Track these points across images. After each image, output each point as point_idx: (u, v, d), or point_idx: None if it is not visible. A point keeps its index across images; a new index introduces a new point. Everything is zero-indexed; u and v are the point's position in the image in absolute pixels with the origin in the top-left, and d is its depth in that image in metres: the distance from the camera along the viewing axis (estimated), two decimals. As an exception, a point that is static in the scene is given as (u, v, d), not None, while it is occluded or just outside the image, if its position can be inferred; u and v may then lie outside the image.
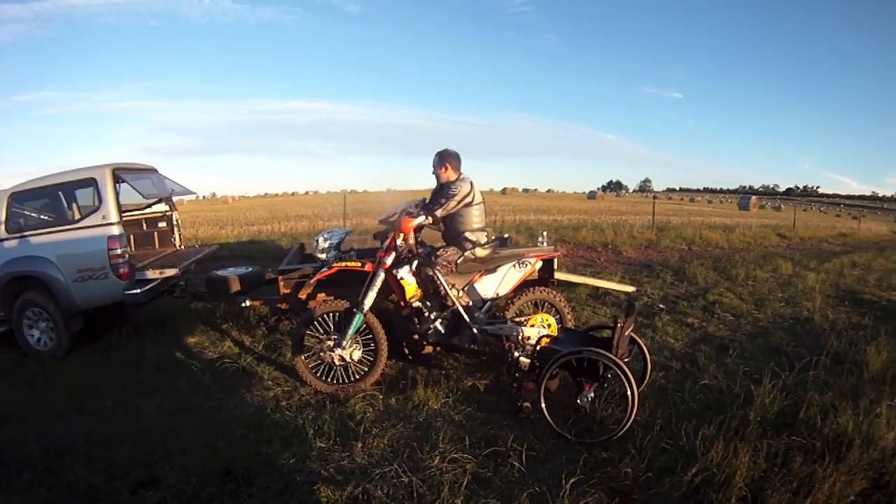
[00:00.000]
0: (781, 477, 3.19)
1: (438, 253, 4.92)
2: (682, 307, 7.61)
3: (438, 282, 4.75)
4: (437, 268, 4.78)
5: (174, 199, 7.54)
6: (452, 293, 4.79)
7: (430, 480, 3.31)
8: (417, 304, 4.79)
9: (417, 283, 4.81)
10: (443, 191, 5.01)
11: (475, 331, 4.73)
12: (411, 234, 4.78)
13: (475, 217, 5.06)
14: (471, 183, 5.03)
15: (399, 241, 4.70)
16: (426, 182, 5.40)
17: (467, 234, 5.01)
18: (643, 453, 3.46)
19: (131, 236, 6.83)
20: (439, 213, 4.90)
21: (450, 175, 5.09)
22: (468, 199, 4.97)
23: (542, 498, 3.15)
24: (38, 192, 6.05)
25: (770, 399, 4.04)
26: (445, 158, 5.10)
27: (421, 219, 4.75)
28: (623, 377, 3.71)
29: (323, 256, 5.04)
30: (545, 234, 6.23)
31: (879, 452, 3.42)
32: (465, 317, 4.75)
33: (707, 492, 3.07)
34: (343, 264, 4.82)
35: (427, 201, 5.18)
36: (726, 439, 3.49)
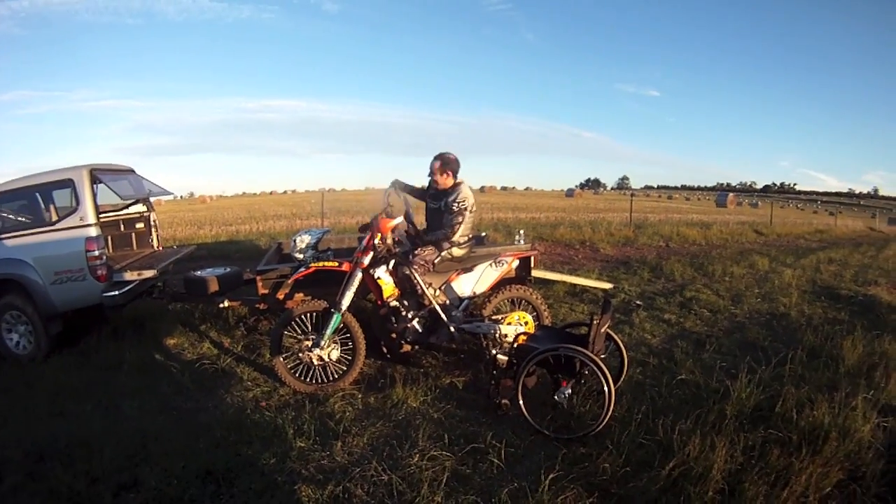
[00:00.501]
0: (758, 470, 3.23)
1: (416, 252, 4.94)
2: (659, 303, 7.68)
3: (415, 281, 4.77)
4: (414, 267, 4.81)
5: (152, 199, 7.48)
6: (429, 292, 4.81)
7: (410, 478, 3.33)
8: (395, 303, 4.81)
9: (395, 282, 4.83)
10: (449, 202, 5.00)
11: (452, 329, 4.76)
12: (389, 235, 4.79)
13: (465, 225, 5.11)
14: (469, 189, 5.09)
15: (377, 241, 4.71)
16: (407, 181, 5.40)
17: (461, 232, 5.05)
18: (621, 448, 3.48)
19: (109, 237, 6.77)
20: (456, 238, 4.99)
21: (447, 181, 5.11)
22: (472, 205, 5.07)
23: (521, 494, 3.17)
24: (15, 194, 5.96)
25: (747, 393, 4.10)
26: (449, 164, 5.10)
27: (399, 219, 4.77)
28: (600, 373, 3.74)
29: (300, 256, 5.04)
30: (522, 232, 6.26)
31: (855, 445, 3.48)
32: (443, 316, 4.78)
33: (685, 485, 3.11)
34: (320, 264, 4.82)
35: (427, 229, 5.27)
36: (703, 433, 3.54)
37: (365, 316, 5.25)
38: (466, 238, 5.15)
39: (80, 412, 4.45)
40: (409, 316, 4.79)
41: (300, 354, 4.67)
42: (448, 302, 4.99)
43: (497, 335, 4.50)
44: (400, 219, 4.77)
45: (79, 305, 5.74)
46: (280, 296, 5.52)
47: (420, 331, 4.82)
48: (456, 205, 4.95)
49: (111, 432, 3.95)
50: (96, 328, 6.38)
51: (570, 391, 3.98)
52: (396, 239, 5.03)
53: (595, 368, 3.77)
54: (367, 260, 4.67)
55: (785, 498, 2.99)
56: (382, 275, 4.74)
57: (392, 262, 4.81)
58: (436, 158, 5.10)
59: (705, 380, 4.59)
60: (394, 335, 4.92)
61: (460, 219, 4.94)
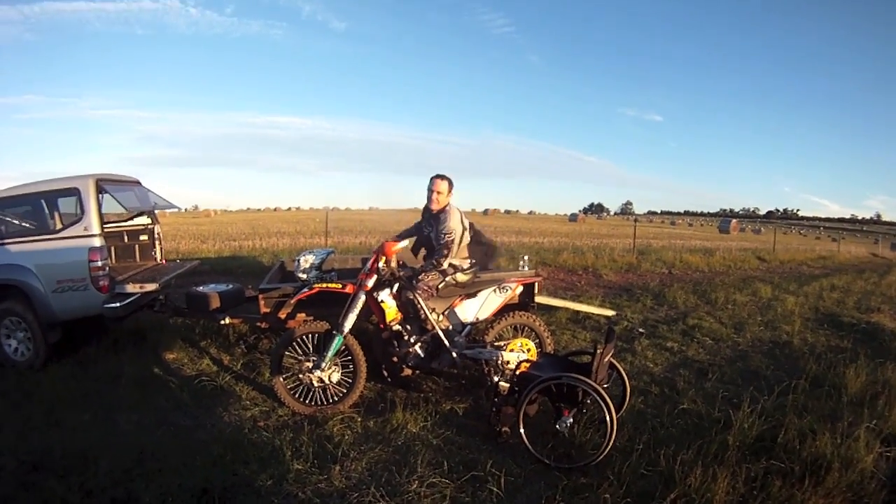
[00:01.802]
0: (760, 501, 3.24)
1: (420, 277, 4.92)
2: (661, 331, 7.66)
3: (419, 305, 4.75)
4: (418, 292, 4.79)
5: (156, 212, 7.48)
6: (432, 317, 4.79)
7: (408, 505, 3.29)
8: (397, 327, 4.78)
9: (398, 306, 4.80)
10: (438, 232, 5.05)
11: (454, 355, 4.73)
12: (394, 258, 4.78)
13: (461, 248, 5.16)
14: (459, 213, 5.13)
15: (381, 264, 4.70)
16: (409, 201, 5.43)
17: (451, 261, 5.04)
18: (622, 479, 3.47)
19: (112, 248, 6.77)
20: (445, 263, 4.99)
21: (442, 200, 5.15)
22: (462, 232, 5.11)
23: (520, 524, 3.15)
24: (20, 200, 5.97)
25: (749, 423, 4.07)
26: (446, 184, 5.19)
27: (404, 243, 4.77)
28: (602, 403, 3.71)
29: (304, 276, 5.03)
30: (526, 258, 6.25)
31: (858, 475, 3.47)
32: (445, 341, 4.76)
33: (686, 517, 3.09)
34: (324, 285, 4.81)
35: (426, 255, 5.34)
36: (705, 464, 3.53)
37: (367, 338, 5.23)
38: (469, 263, 5.15)
39: (77, 423, 4.42)
40: (412, 340, 4.76)
41: (300, 375, 4.64)
42: (451, 327, 4.97)
43: (499, 362, 4.47)
44: (405, 242, 4.78)
45: (79, 315, 5.71)
46: (282, 315, 5.49)
47: (422, 355, 4.80)
48: (443, 236, 4.99)
49: (107, 445, 3.94)
50: (96, 339, 6.36)
51: (571, 420, 3.95)
52: (401, 262, 5.01)
53: (598, 398, 3.74)
54: (370, 283, 4.65)
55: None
56: (386, 298, 4.72)
57: (396, 286, 4.79)
58: (438, 177, 5.17)
59: (707, 409, 4.57)
60: (395, 359, 4.88)
61: (446, 251, 4.97)
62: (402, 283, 4.81)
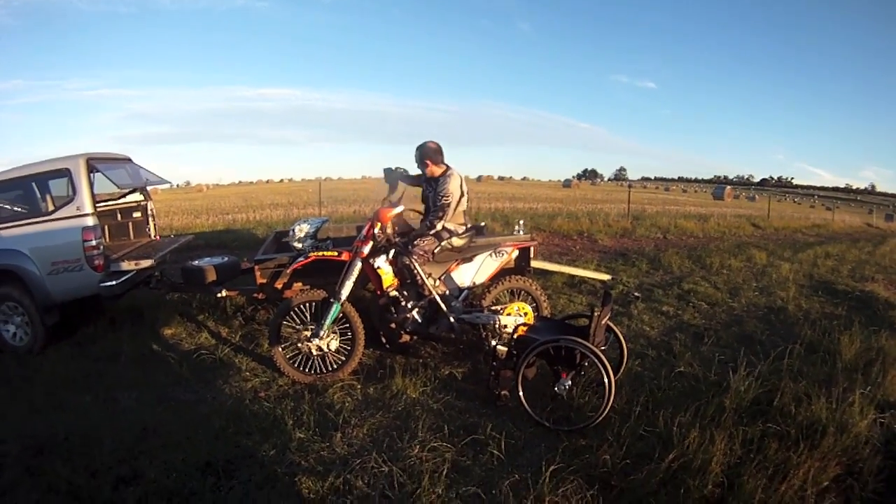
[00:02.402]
0: (757, 463, 3.24)
1: (415, 242, 4.91)
2: (657, 295, 7.69)
3: (415, 271, 4.76)
4: (414, 257, 4.79)
5: (148, 188, 7.44)
6: (429, 283, 4.80)
7: (411, 469, 3.32)
8: (394, 293, 4.79)
9: (394, 272, 4.81)
10: (436, 194, 5.03)
11: (452, 320, 4.74)
12: (389, 224, 4.76)
13: (457, 213, 5.13)
14: (459, 178, 5.09)
15: (377, 230, 4.69)
16: (401, 168, 5.40)
17: (446, 225, 5.03)
18: (621, 440, 3.49)
19: (106, 227, 6.73)
20: (439, 225, 4.97)
21: (434, 170, 5.11)
22: (460, 197, 5.07)
23: (522, 485, 3.18)
24: (11, 184, 5.91)
25: (745, 387, 4.10)
26: (425, 155, 5.11)
27: (399, 208, 4.75)
28: (600, 365, 3.74)
29: (299, 245, 5.01)
30: (522, 222, 6.24)
31: (853, 440, 3.49)
32: (443, 306, 4.77)
33: (684, 478, 3.11)
34: (319, 254, 4.80)
35: (425, 215, 5.29)
36: (702, 426, 3.55)
37: (364, 305, 5.24)
38: (465, 228, 5.14)
39: (79, 404, 4.43)
40: (409, 306, 4.76)
41: (299, 345, 4.64)
42: (448, 292, 4.98)
43: (497, 326, 4.47)
44: (400, 208, 4.74)
45: (76, 296, 5.70)
46: (278, 285, 5.48)
47: (420, 321, 4.80)
48: (440, 198, 4.97)
49: (110, 425, 3.95)
50: (93, 319, 6.36)
51: (570, 383, 3.97)
52: (396, 228, 5.00)
53: (595, 360, 3.76)
54: (366, 249, 4.65)
55: (783, 492, 3.00)
56: (382, 264, 4.72)
57: (392, 252, 4.79)
58: (416, 150, 5.13)
59: (704, 372, 4.59)
60: (393, 325, 4.89)
61: (441, 213, 4.95)
62: (398, 249, 4.80)
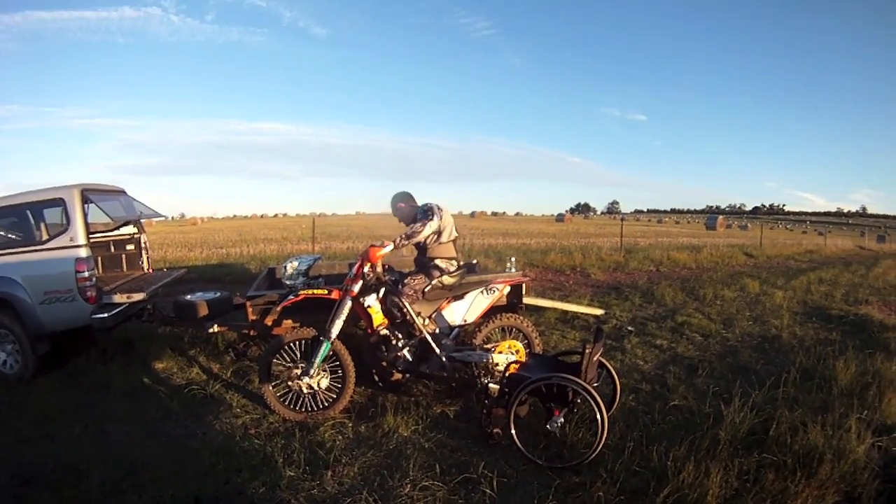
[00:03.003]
0: (754, 495, 3.25)
1: (406, 281, 4.92)
2: (650, 329, 7.69)
3: (405, 310, 4.75)
4: (404, 296, 4.79)
5: (143, 221, 7.45)
6: (419, 321, 4.78)
7: (401, 509, 3.28)
8: (385, 331, 4.76)
9: (384, 311, 4.79)
10: (412, 224, 4.98)
11: (443, 359, 4.72)
12: (379, 263, 4.76)
13: (445, 245, 5.09)
14: (441, 214, 5.02)
15: (366, 269, 4.69)
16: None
17: (437, 262, 5.03)
18: (615, 476, 3.49)
19: (99, 258, 6.74)
20: (399, 241, 4.84)
21: (409, 213, 5.18)
22: (438, 229, 4.99)
23: (514, 524, 3.16)
24: (5, 211, 5.92)
25: (740, 418, 4.10)
26: (394, 204, 5.26)
27: (389, 248, 4.74)
28: (592, 402, 3.72)
29: (291, 283, 5.01)
30: (513, 259, 6.27)
31: (850, 466, 3.50)
32: (433, 345, 4.75)
33: (680, 512, 3.09)
34: (309, 292, 4.79)
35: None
36: (697, 459, 3.54)
37: (356, 343, 5.22)
38: (456, 263, 5.14)
39: (68, 435, 4.39)
40: (400, 345, 4.74)
41: (289, 383, 4.62)
42: (438, 331, 4.97)
43: (488, 364, 4.47)
44: (390, 246, 4.73)
45: (68, 326, 5.68)
46: (269, 322, 5.46)
47: (410, 359, 4.77)
48: (415, 225, 4.88)
49: (99, 457, 3.92)
50: (85, 350, 6.32)
51: (562, 420, 3.95)
52: (386, 267, 5.01)
53: (588, 397, 3.74)
54: (356, 288, 4.64)
55: (781, 521, 2.99)
56: (372, 303, 4.71)
57: (382, 291, 4.78)
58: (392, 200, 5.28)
59: (698, 405, 4.59)
60: (384, 363, 4.86)
61: (406, 234, 4.82)
62: (387, 288, 4.80)
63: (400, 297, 4.77)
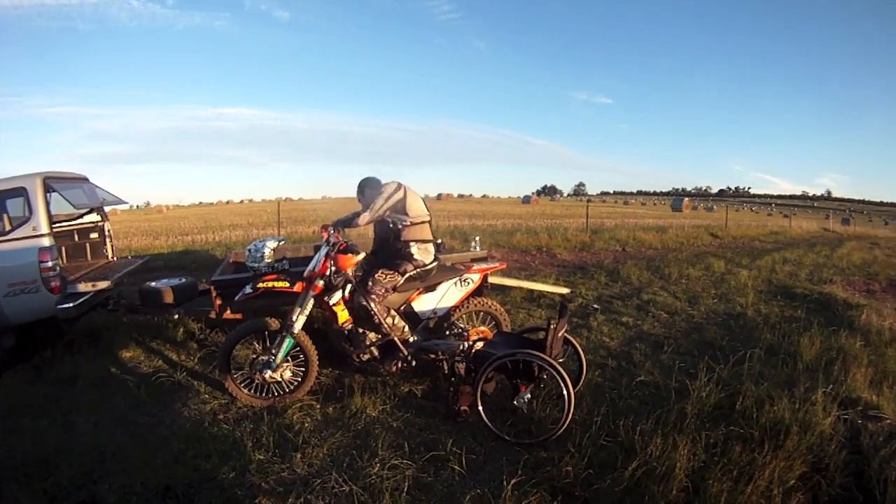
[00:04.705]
0: (722, 466, 3.30)
1: (376, 277, 4.75)
2: (616, 307, 7.79)
3: (372, 312, 4.66)
4: (373, 295, 4.69)
5: (106, 208, 7.34)
6: (388, 322, 4.71)
7: (371, 488, 3.30)
8: (350, 327, 4.69)
9: (349, 309, 4.70)
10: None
11: (410, 357, 4.69)
12: (350, 270, 4.65)
13: (419, 227, 4.96)
14: (401, 186, 4.95)
15: (331, 270, 4.58)
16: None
17: (412, 246, 4.91)
18: (583, 451, 3.54)
19: (63, 248, 6.62)
20: (367, 217, 4.83)
21: (369, 200, 5.03)
22: (397, 198, 4.88)
23: (484, 500, 3.19)
24: None
25: (706, 392, 4.19)
26: (360, 189, 5.24)
27: (360, 255, 4.63)
28: (558, 377, 3.77)
29: (255, 266, 4.96)
30: (478, 238, 6.27)
31: (817, 437, 3.60)
32: (400, 345, 4.69)
33: (648, 485, 3.15)
34: (270, 285, 4.59)
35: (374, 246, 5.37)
36: (664, 433, 3.61)
37: (322, 323, 5.17)
38: (433, 251, 5.05)
39: (36, 428, 4.31)
40: (366, 344, 4.67)
41: (253, 375, 4.54)
42: (406, 328, 4.87)
43: (456, 352, 4.42)
44: (362, 254, 4.63)
45: (33, 318, 5.56)
46: (233, 309, 5.41)
47: (377, 355, 4.72)
48: (377, 197, 4.86)
49: (68, 449, 3.88)
50: (51, 342, 6.22)
51: (529, 396, 4.00)
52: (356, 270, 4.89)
53: (553, 372, 3.79)
54: (320, 284, 4.54)
55: (749, 493, 3.05)
56: (338, 301, 4.61)
57: (348, 288, 4.69)
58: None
59: (665, 380, 4.67)
60: (349, 353, 4.76)
61: (378, 206, 4.81)
62: (355, 287, 4.72)
63: (368, 297, 4.67)
